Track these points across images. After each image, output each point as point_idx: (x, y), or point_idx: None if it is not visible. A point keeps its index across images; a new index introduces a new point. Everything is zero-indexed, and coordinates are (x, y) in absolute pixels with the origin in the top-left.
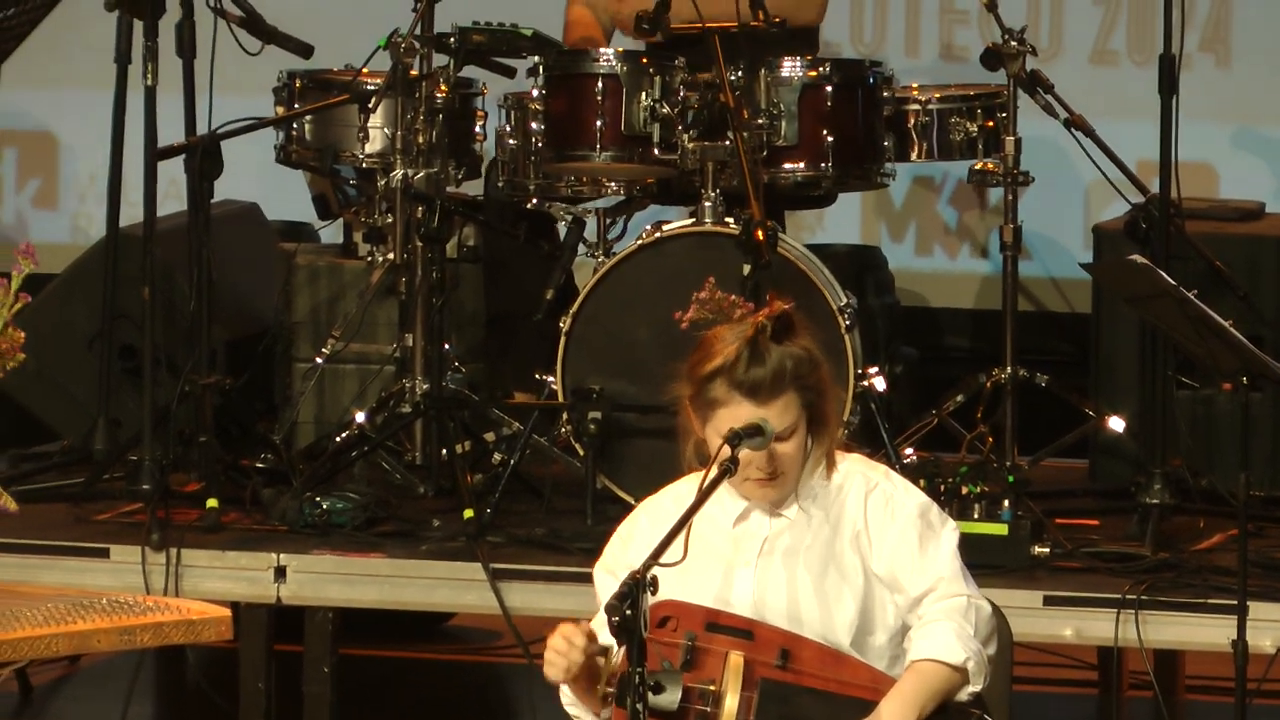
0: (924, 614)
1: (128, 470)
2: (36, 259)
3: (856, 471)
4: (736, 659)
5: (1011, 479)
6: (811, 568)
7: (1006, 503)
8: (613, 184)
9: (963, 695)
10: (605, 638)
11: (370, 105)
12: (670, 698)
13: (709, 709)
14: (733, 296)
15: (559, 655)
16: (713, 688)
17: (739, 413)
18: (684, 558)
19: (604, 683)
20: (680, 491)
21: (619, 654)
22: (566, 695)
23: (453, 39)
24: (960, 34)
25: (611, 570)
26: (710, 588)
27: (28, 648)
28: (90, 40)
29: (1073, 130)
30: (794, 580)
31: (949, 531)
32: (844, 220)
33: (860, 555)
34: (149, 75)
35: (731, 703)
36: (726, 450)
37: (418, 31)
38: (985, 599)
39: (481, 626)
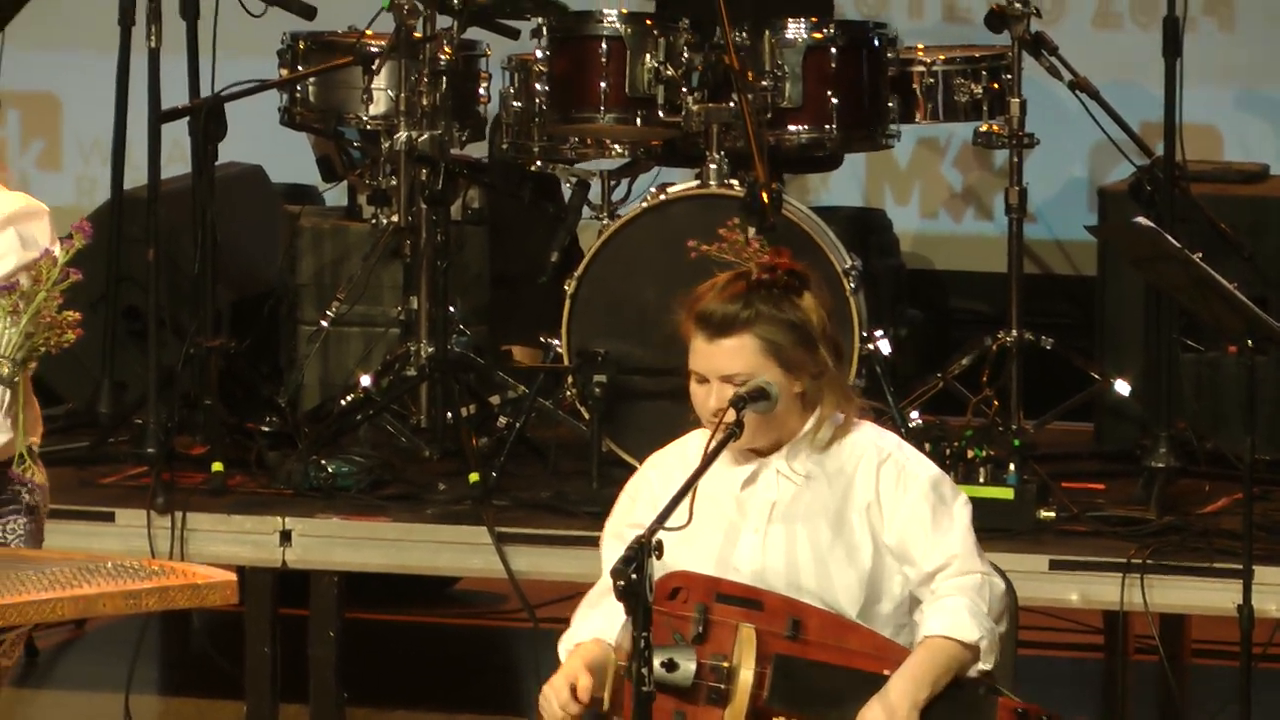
0: (937, 589)
1: (133, 433)
2: (90, 233)
3: (869, 441)
4: (748, 631)
5: (1017, 443)
6: (819, 535)
7: (1012, 466)
8: (617, 146)
9: (972, 671)
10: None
11: (374, 67)
12: (684, 673)
13: (723, 685)
14: (754, 241)
15: (552, 705)
16: (725, 663)
17: (697, 347)
18: (689, 522)
19: (615, 663)
20: (687, 449)
21: (628, 628)
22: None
23: (456, 1)
24: None
25: (618, 534)
26: (713, 550)
27: (34, 611)
28: (93, 1)
29: (1077, 93)
30: (801, 546)
31: (961, 506)
32: (848, 183)
33: (871, 526)
34: (153, 37)
35: (746, 676)
36: (732, 414)
37: None
38: (999, 575)
39: (487, 590)
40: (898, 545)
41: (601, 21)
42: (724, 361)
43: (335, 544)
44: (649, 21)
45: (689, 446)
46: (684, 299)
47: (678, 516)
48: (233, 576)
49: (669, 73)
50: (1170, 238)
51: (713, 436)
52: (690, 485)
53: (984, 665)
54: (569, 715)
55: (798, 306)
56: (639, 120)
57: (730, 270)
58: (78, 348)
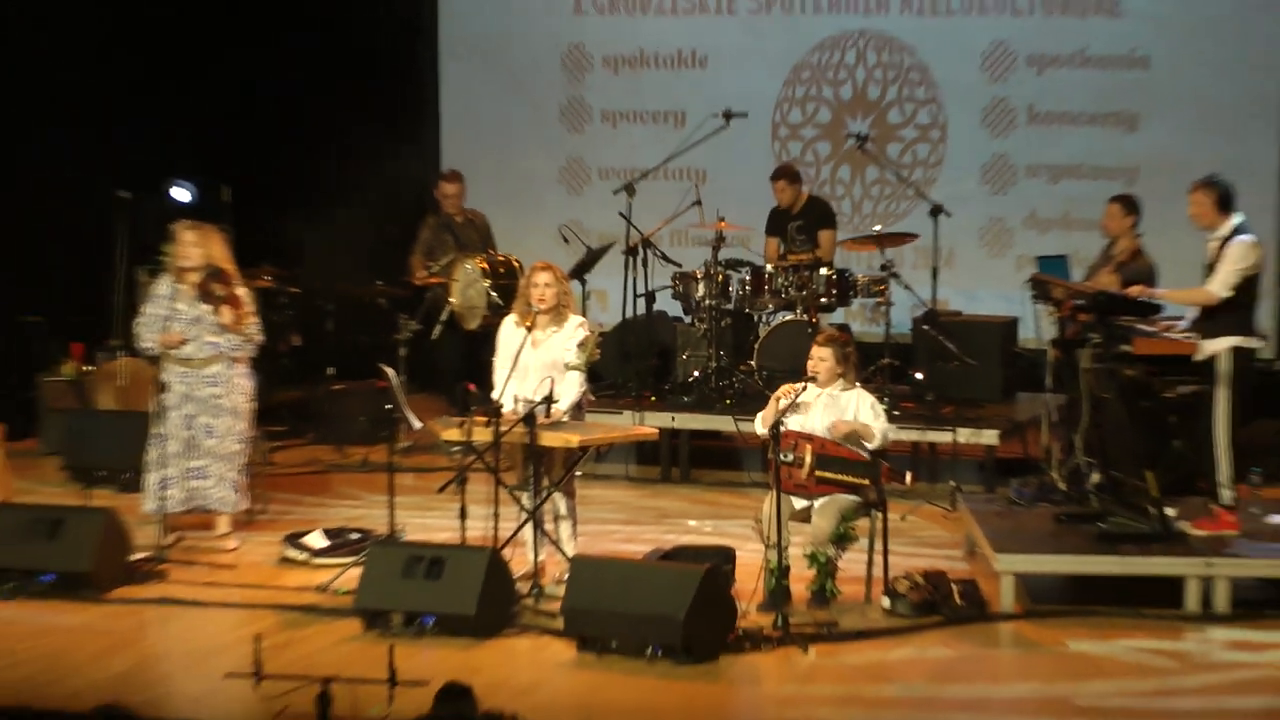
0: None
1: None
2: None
3: (857, 389)
4: (809, 446)
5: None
6: (834, 416)
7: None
8: (770, 304)
9: (871, 446)
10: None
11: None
12: (794, 460)
13: (801, 462)
14: (842, 336)
15: (773, 402)
16: (804, 456)
17: (813, 348)
18: (798, 412)
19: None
20: (799, 388)
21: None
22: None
23: (725, 267)
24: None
25: (774, 401)
26: (805, 419)
27: (588, 441)
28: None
29: (891, 271)
30: (828, 420)
31: (883, 412)
32: (837, 316)
33: (855, 412)
34: (635, 268)
35: (808, 460)
36: (803, 384)
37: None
38: (891, 430)
39: (730, 437)
40: (861, 419)
41: (765, 268)
42: (819, 353)
43: (689, 420)
44: (781, 268)
45: (800, 387)
46: (817, 338)
47: (791, 412)
48: (655, 431)
49: (786, 283)
50: (937, 335)
51: (803, 385)
52: (791, 404)
53: (876, 443)
54: (776, 407)
55: (846, 346)
56: (777, 297)
57: (831, 329)
58: (612, 363)
